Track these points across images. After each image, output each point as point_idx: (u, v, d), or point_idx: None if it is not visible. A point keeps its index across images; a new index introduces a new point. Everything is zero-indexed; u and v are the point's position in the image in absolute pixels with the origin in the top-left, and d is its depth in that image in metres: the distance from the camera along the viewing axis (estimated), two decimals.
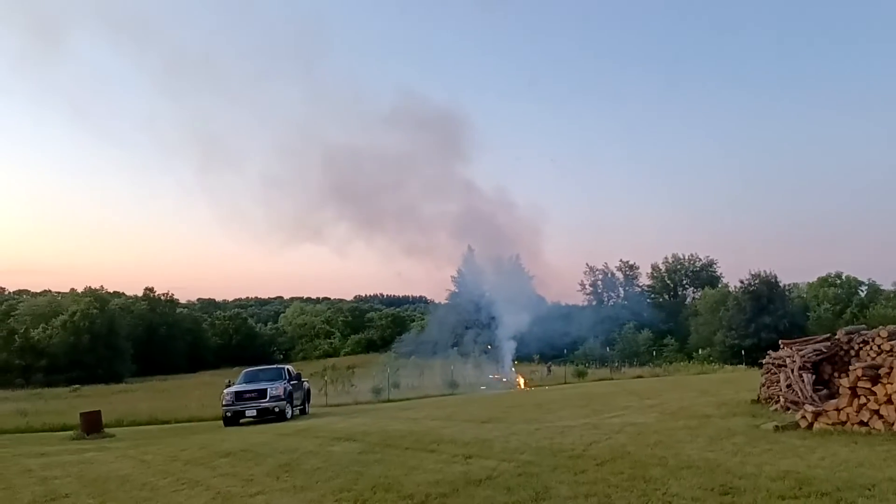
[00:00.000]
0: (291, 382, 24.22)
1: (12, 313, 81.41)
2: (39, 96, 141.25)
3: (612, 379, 41.21)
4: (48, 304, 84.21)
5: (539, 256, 50.41)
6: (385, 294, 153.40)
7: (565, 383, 40.33)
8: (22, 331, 74.17)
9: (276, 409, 22.46)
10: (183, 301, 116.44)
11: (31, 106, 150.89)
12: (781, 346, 13.26)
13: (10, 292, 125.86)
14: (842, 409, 9.20)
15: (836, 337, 12.53)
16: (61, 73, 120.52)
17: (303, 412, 25.44)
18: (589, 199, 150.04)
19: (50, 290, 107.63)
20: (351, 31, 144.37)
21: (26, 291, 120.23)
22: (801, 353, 12.03)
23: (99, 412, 22.35)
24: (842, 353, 12.24)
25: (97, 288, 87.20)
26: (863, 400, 8.94)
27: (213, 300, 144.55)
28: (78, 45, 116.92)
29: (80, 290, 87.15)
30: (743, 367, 47.14)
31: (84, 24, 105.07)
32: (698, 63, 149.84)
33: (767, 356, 13.54)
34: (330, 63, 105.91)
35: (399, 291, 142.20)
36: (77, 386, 57.73)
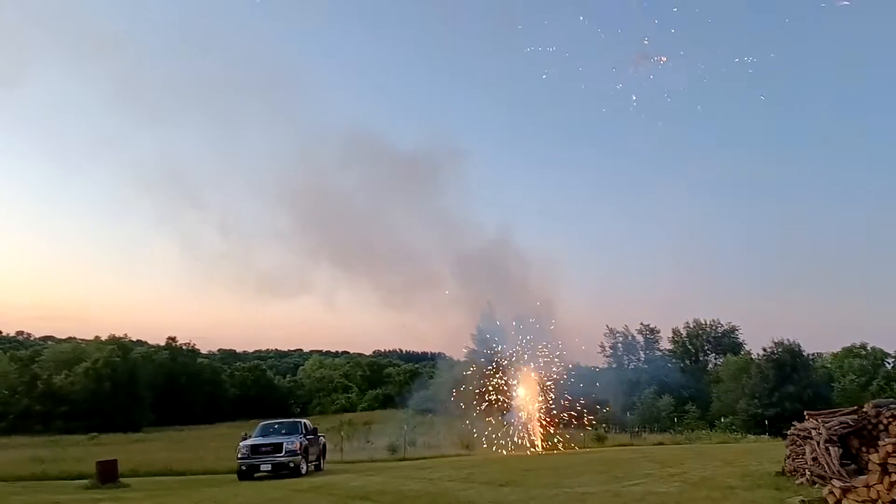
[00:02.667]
0: (308, 437, 24.09)
1: (36, 359, 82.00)
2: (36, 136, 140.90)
3: (633, 445, 40.44)
4: (72, 351, 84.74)
5: (558, 315, 49.98)
6: (404, 349, 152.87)
7: (584, 448, 39.62)
8: (45, 377, 74.63)
9: (292, 465, 22.29)
10: (204, 351, 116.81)
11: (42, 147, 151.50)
12: (807, 418, 13.01)
13: (35, 338, 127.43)
14: (872, 486, 8.96)
15: (864, 410, 12.26)
16: (61, 110, 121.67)
17: (318, 468, 25.19)
18: (608, 260, 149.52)
19: (74, 337, 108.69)
20: (336, 69, 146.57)
21: (51, 338, 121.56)
22: (827, 425, 11.81)
23: (115, 461, 22.35)
24: (870, 426, 11.95)
25: (121, 336, 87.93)
26: (894, 478, 8.71)
27: (234, 351, 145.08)
28: (60, 84, 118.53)
29: (104, 337, 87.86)
30: (766, 437, 46.07)
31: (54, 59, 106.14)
32: (724, 128, 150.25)
33: (792, 427, 13.29)
34: (326, 107, 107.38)
35: (418, 347, 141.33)
36: (95, 434, 57.63)
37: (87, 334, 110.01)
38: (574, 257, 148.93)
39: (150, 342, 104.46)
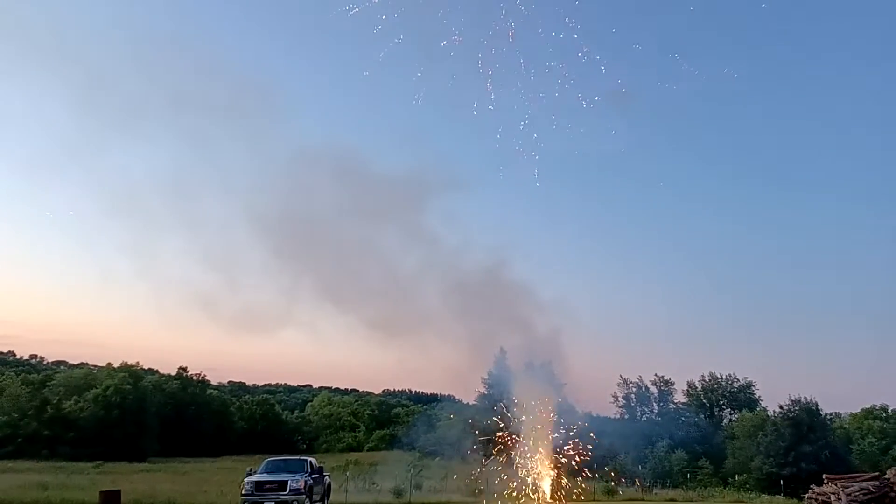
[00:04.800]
0: (313, 476, 23.87)
1: (48, 383, 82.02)
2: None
3: (644, 500, 39.59)
4: (83, 377, 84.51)
5: (569, 362, 49.44)
6: (413, 390, 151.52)
7: (594, 500, 38.84)
8: (55, 402, 74.60)
9: (295, 503, 22.02)
10: (214, 382, 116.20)
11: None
12: (825, 481, 12.66)
13: (48, 362, 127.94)
14: None
15: (886, 476, 11.93)
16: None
17: None
18: (623, 309, 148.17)
19: (87, 363, 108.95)
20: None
21: (64, 362, 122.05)
22: (847, 490, 11.47)
23: (118, 492, 22.22)
24: (892, 494, 11.60)
25: (133, 364, 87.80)
26: None
27: (244, 384, 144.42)
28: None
29: (116, 364, 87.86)
30: (781, 497, 44.94)
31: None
32: (738, 174, 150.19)
33: (811, 491, 12.93)
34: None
35: (427, 388, 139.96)
36: (100, 462, 57.33)
37: (100, 360, 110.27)
38: (588, 306, 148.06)
39: (162, 371, 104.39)
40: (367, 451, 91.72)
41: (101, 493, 21.68)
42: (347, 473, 41.67)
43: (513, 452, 44.04)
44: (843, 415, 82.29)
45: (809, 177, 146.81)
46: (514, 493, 39.84)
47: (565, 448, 43.79)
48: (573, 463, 43.94)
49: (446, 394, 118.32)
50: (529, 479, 41.83)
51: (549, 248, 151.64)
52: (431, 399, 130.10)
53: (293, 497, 22.06)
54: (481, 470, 44.97)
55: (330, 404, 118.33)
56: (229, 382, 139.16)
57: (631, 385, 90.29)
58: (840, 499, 10.89)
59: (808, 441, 59.92)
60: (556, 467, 43.02)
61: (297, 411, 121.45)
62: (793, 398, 65.16)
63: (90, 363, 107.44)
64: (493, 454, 45.56)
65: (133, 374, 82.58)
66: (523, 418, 44.64)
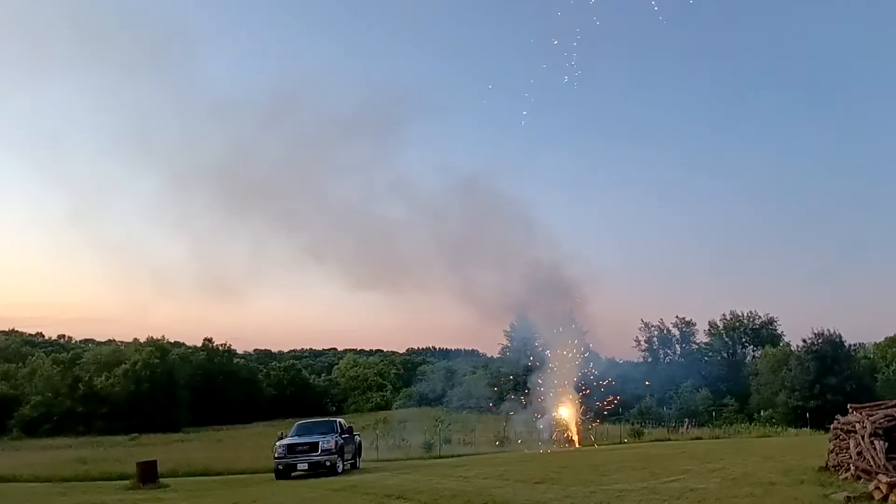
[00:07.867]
0: (343, 436, 24.22)
1: (78, 361, 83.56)
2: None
3: (670, 440, 39.97)
4: (112, 354, 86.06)
5: (591, 309, 49.58)
6: (437, 347, 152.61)
7: (620, 443, 39.28)
8: (86, 379, 76.05)
9: (328, 463, 22.41)
10: (240, 351, 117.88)
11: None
12: (850, 411, 12.66)
13: (76, 341, 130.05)
14: None
15: None
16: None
17: (354, 466, 25.32)
18: (642, 251, 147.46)
19: (114, 340, 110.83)
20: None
21: (91, 340, 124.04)
22: (871, 418, 11.48)
23: (155, 462, 22.67)
24: None
25: (158, 338, 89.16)
26: None
27: (269, 351, 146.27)
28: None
29: (142, 339, 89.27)
30: (808, 430, 45.19)
31: None
32: (759, 116, 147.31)
33: (836, 421, 12.94)
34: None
35: (451, 344, 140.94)
36: (135, 434, 58.64)
37: (126, 336, 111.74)
38: (607, 251, 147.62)
39: (188, 343, 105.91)
40: (396, 409, 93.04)
41: (137, 464, 22.15)
42: (377, 432, 42.30)
43: (538, 401, 44.62)
44: (867, 345, 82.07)
45: (816, 103, 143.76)
46: (543, 440, 40.48)
47: (590, 393, 44.32)
48: (598, 407, 44.52)
49: (470, 348, 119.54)
50: (555, 426, 42.46)
51: (568, 200, 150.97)
52: (456, 354, 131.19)
53: (325, 457, 22.45)
54: (506, 421, 45.70)
55: (356, 366, 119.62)
56: (255, 350, 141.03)
57: (652, 328, 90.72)
58: (865, 427, 10.91)
59: (832, 373, 59.91)
60: (581, 412, 43.59)
61: (323, 374, 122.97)
62: (816, 331, 65.00)
63: (117, 339, 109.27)
64: (519, 404, 46.17)
65: (160, 348, 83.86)
66: (548, 366, 45.12)
